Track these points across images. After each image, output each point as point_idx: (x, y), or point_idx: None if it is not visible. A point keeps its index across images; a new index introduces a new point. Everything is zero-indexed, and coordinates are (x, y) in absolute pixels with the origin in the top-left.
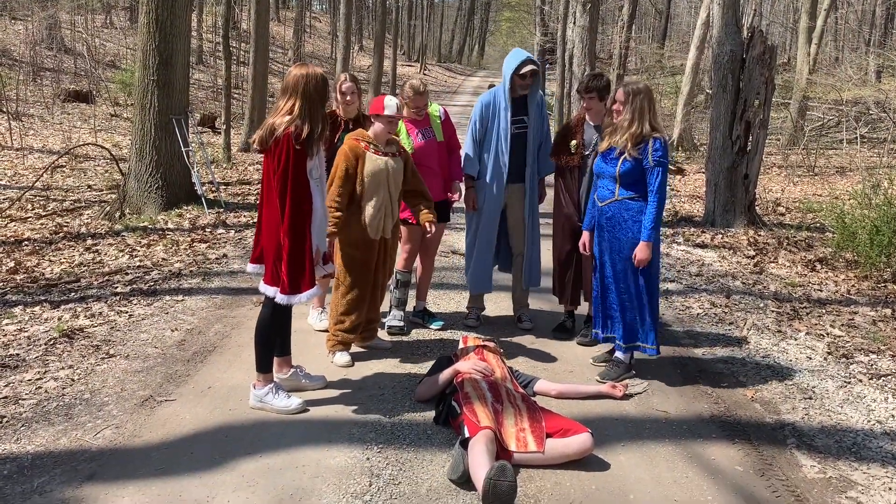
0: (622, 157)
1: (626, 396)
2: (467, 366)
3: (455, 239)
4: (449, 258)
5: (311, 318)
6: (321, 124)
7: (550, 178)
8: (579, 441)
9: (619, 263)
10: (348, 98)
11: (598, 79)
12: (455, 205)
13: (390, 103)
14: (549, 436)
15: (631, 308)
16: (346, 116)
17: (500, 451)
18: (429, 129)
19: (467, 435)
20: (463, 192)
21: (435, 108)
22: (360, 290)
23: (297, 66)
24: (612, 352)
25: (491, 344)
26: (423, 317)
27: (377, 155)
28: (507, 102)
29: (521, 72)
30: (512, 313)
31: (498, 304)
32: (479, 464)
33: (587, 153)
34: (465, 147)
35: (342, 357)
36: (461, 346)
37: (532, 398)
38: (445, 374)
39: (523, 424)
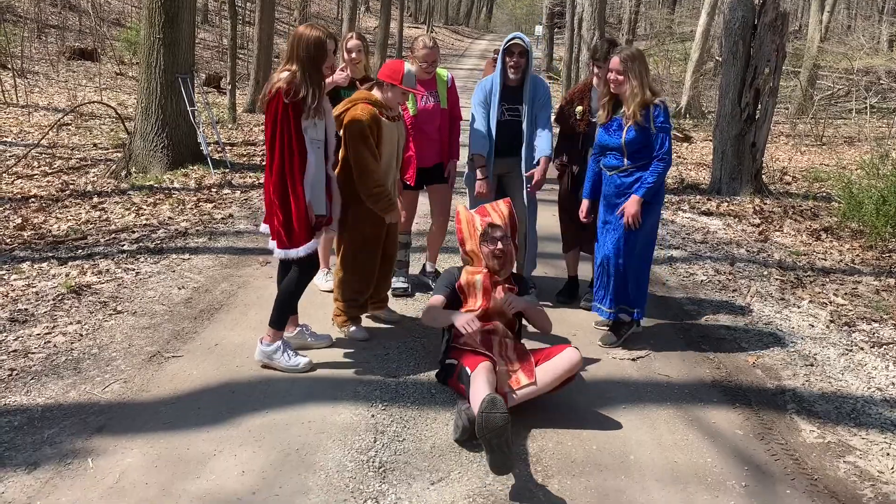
0: (626, 126)
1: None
2: (461, 321)
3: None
4: None
5: (317, 279)
6: (317, 87)
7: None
8: (566, 357)
9: (618, 230)
10: (353, 56)
11: (612, 45)
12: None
13: (410, 77)
14: (536, 364)
15: (619, 273)
16: (351, 75)
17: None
18: (434, 92)
19: (469, 372)
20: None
21: (443, 73)
22: (369, 267)
23: (301, 27)
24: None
25: (503, 209)
26: (432, 279)
27: (390, 121)
28: (499, 86)
29: (505, 46)
30: None
31: None
32: (479, 398)
33: (594, 119)
34: (477, 125)
35: (360, 332)
36: (457, 226)
37: (522, 344)
38: (449, 317)
39: (514, 367)
